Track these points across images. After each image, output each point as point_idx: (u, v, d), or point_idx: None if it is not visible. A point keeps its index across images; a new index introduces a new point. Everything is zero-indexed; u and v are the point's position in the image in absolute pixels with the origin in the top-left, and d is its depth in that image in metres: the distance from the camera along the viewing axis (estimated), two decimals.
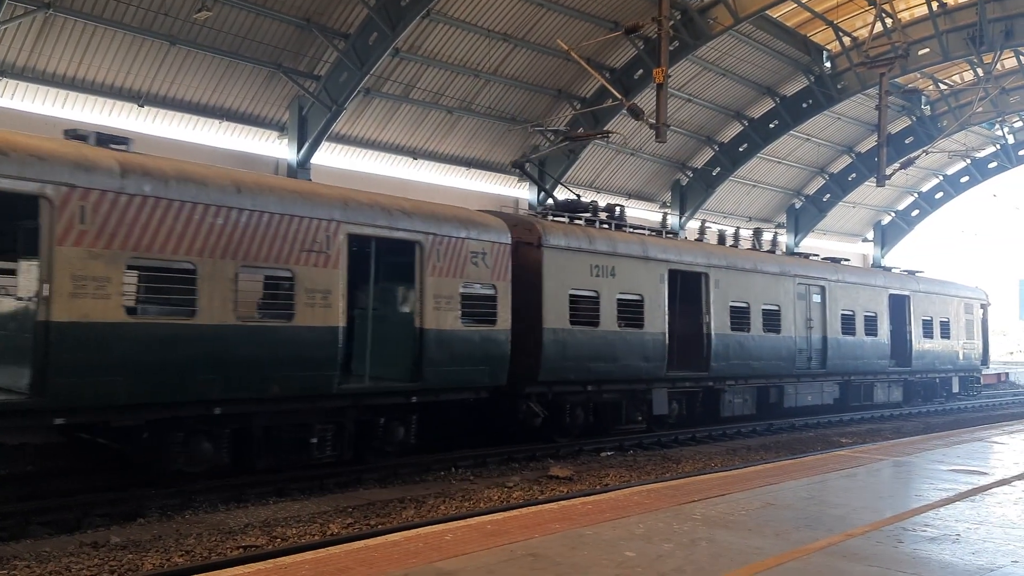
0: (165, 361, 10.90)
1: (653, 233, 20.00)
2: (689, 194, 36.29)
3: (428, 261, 14.09)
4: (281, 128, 24.09)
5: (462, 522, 8.37)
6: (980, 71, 33.65)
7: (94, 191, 10.38)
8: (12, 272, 11.71)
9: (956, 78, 38.67)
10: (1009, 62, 35.62)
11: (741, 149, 35.40)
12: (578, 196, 20.03)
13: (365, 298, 14.43)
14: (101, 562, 8.97)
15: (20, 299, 11.31)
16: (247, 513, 11.41)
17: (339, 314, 12.77)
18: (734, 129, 35.50)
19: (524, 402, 16.38)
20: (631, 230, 19.37)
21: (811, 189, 42.71)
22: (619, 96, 22.82)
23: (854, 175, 41.48)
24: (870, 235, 49.35)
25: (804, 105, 34.30)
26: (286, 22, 21.91)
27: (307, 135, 23.57)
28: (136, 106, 21.14)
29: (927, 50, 32.28)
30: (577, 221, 18.22)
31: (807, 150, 39.70)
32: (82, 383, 10.27)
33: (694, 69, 31.09)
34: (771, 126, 34.89)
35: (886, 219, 49.17)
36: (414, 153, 27.49)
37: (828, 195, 42.35)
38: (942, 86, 38.43)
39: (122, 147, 11.50)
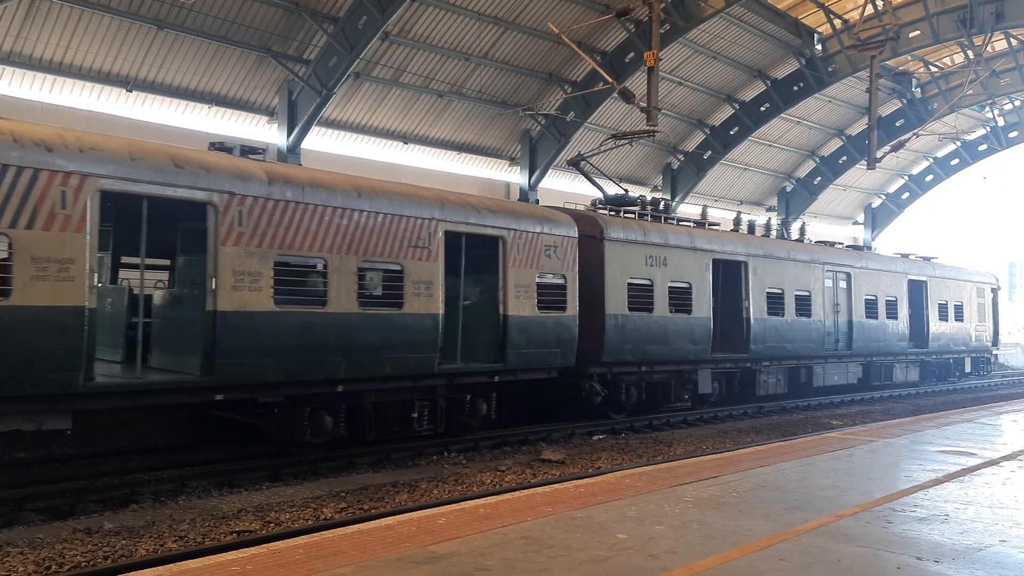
0: (303, 345, 12.48)
1: (697, 225, 21.35)
2: (680, 177, 36.29)
3: (510, 254, 15.69)
4: (271, 113, 23.97)
5: (455, 506, 8.40)
6: (971, 53, 33.68)
7: (248, 197, 11.96)
8: (173, 268, 13.48)
9: (947, 60, 38.67)
10: (999, 44, 35.61)
11: (732, 132, 35.39)
12: (625, 191, 21.10)
13: (454, 288, 15.49)
14: (95, 548, 8.97)
15: (183, 292, 12.89)
16: (241, 498, 11.43)
17: (439, 302, 14.34)
18: (725, 112, 35.47)
19: (587, 381, 17.78)
20: (677, 222, 20.69)
21: (802, 172, 42.77)
22: (610, 79, 22.75)
23: (845, 158, 41.54)
24: (861, 218, 49.47)
25: (795, 88, 34.28)
26: (275, 6, 21.75)
27: (297, 120, 23.45)
28: (124, 91, 21.00)
29: (918, 32, 32.25)
30: (628, 215, 19.41)
31: (798, 133, 39.71)
32: (241, 364, 11.84)
33: (685, 52, 31.01)
34: (762, 109, 34.88)
35: (877, 202, 49.28)
36: (405, 137, 27.39)
37: (819, 178, 42.42)
38: (933, 68, 38.41)
39: (258, 156, 13.10)
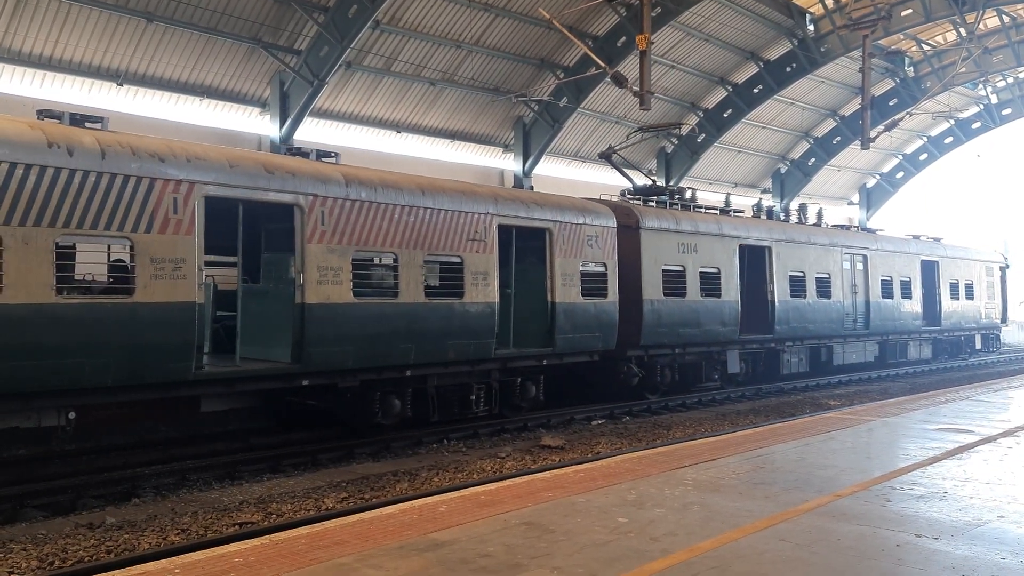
0: (378, 334, 13.51)
1: (724, 213, 22.16)
2: (674, 161, 36.22)
3: (556, 245, 16.63)
4: (262, 104, 23.86)
5: (456, 493, 8.43)
6: (963, 31, 33.61)
7: (329, 199, 12.96)
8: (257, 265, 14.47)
9: (939, 39, 38.59)
10: (992, 21, 35.53)
11: (725, 115, 35.32)
12: (654, 181, 21.84)
13: (505, 277, 16.23)
14: (97, 542, 9.00)
15: (268, 287, 13.98)
16: (242, 490, 11.46)
17: (495, 291, 15.37)
18: (718, 95, 35.38)
19: (626, 364, 18.68)
20: (705, 210, 21.50)
21: (796, 153, 42.72)
22: (602, 64, 22.69)
23: (838, 138, 41.49)
24: (855, 198, 49.46)
25: (788, 69, 34.21)
26: None
27: (289, 111, 23.36)
28: (115, 85, 20.87)
29: (909, 11, 32.17)
30: (652, 204, 20.14)
31: (791, 114, 39.64)
32: (326, 352, 12.85)
33: (677, 35, 30.91)
34: (755, 91, 34.79)
35: (871, 182, 49.26)
36: (398, 126, 27.30)
37: (813, 159, 42.38)
38: (925, 47, 38.34)
39: (332, 160, 14.07)
